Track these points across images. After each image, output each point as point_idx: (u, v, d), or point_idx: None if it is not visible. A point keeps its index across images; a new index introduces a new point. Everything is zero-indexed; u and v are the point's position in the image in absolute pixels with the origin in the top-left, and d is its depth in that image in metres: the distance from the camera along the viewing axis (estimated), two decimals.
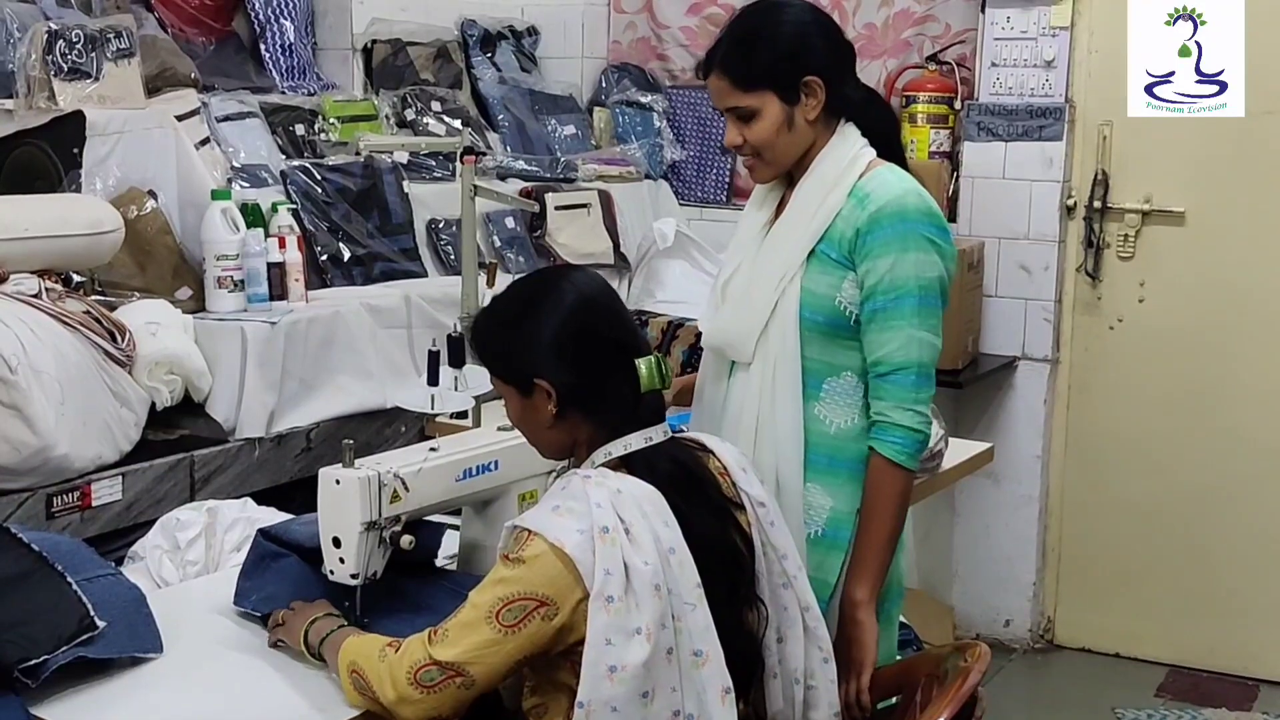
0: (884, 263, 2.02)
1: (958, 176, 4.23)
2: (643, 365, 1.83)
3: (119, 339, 2.70)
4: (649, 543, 1.71)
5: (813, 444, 2.09)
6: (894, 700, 2.04)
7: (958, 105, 4.23)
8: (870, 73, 4.44)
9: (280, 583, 2.04)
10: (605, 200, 4.13)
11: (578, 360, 1.83)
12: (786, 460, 2.07)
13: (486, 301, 2.94)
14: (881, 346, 2.04)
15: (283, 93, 3.80)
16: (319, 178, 3.45)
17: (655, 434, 1.85)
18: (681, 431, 2.01)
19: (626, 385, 1.83)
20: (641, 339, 1.92)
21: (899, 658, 2.24)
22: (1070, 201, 4.15)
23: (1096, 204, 4.12)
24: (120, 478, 2.64)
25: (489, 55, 4.41)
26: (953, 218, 4.22)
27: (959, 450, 3.04)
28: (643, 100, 4.60)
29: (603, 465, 1.82)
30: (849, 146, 2.11)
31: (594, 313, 1.86)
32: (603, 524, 1.69)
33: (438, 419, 3.02)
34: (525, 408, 1.87)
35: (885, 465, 2.05)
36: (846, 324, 2.07)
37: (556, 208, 3.98)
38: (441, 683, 1.70)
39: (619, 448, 1.83)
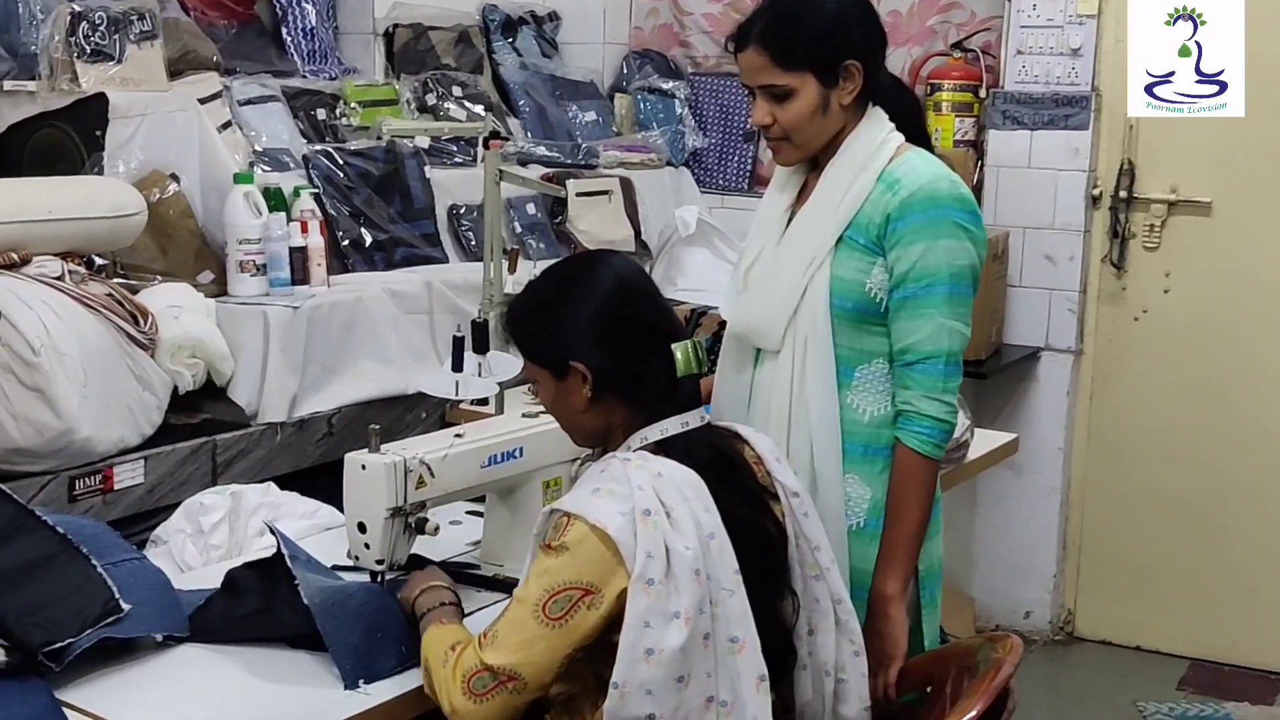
0: (915, 250, 2.00)
1: (982, 165, 4.21)
2: (679, 350, 1.81)
3: (141, 322, 2.69)
4: (690, 527, 1.70)
5: (848, 433, 2.07)
6: (926, 690, 2.02)
7: (983, 93, 4.20)
8: (895, 60, 4.41)
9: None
10: (626, 187, 4.11)
11: (614, 343, 1.81)
12: (823, 451, 2.05)
13: (508, 288, 2.96)
14: (910, 335, 2.02)
15: (304, 76, 3.79)
16: (341, 162, 3.43)
17: (692, 419, 1.84)
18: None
19: (662, 370, 1.81)
20: (678, 324, 1.90)
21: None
22: (1096, 191, 4.12)
23: (1122, 194, 4.09)
24: (142, 461, 2.63)
25: (510, 40, 4.39)
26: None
27: (984, 441, 3.03)
28: (664, 87, 4.58)
29: (639, 449, 1.81)
30: (878, 130, 2.08)
31: (631, 297, 1.85)
32: (644, 506, 1.68)
33: (460, 405, 3.01)
34: (559, 391, 1.85)
35: (911, 456, 2.03)
36: (876, 310, 2.05)
37: (577, 194, 3.95)
38: (494, 689, 1.68)
39: (655, 432, 1.81)
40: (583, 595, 1.67)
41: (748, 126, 4.52)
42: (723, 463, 1.82)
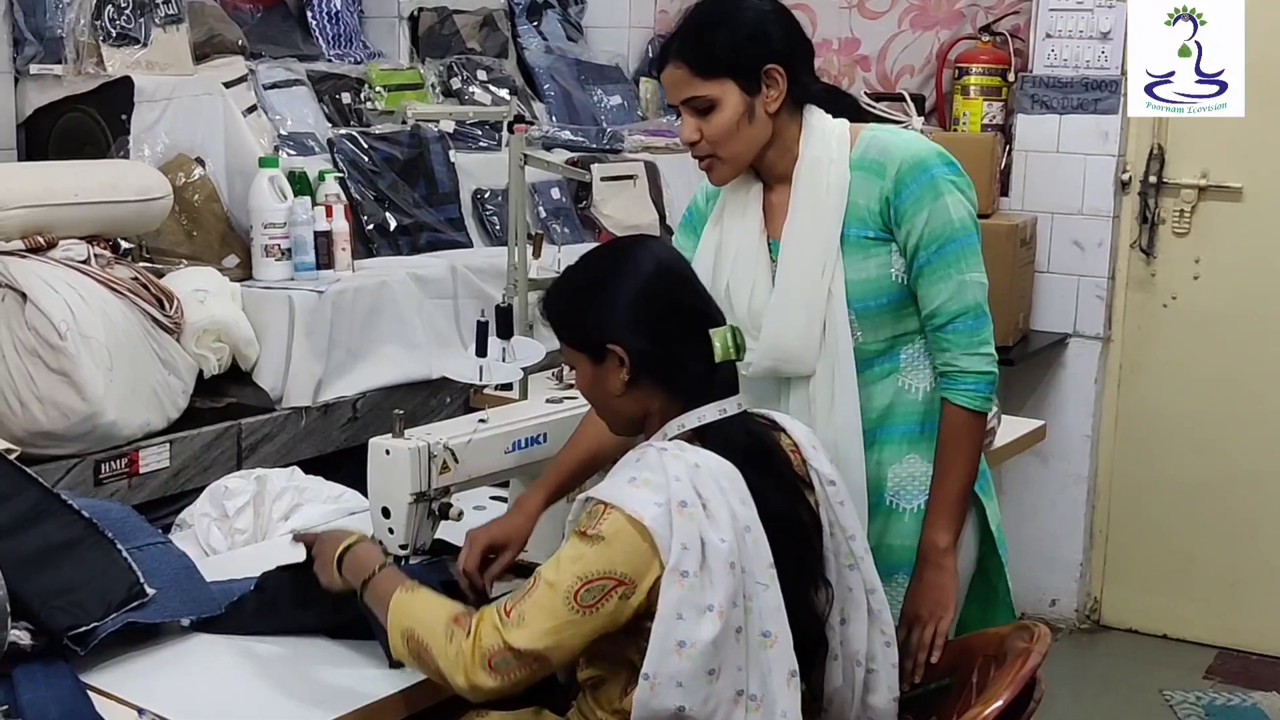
0: (920, 219, 2.00)
1: (1010, 150, 4.18)
2: (717, 336, 1.79)
3: (167, 306, 2.69)
4: (726, 519, 1.68)
5: (904, 414, 2.08)
6: (948, 681, 2.01)
7: (1011, 77, 4.17)
8: (922, 44, 4.40)
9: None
10: (651, 171, 4.09)
11: (652, 327, 1.79)
12: (846, 456, 2.03)
13: (532, 273, 2.95)
14: (935, 298, 2.03)
15: (329, 60, 3.78)
16: (366, 146, 3.43)
17: (729, 406, 1.82)
18: None
19: (700, 356, 1.79)
20: (716, 310, 1.87)
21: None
22: (1125, 176, 4.09)
23: (1152, 179, 4.06)
24: (168, 445, 2.64)
25: (535, 24, 4.38)
26: (1005, 192, 4.18)
27: (1011, 428, 3.00)
28: None
29: (676, 437, 1.79)
30: (824, 123, 2.08)
31: (670, 280, 1.83)
32: (681, 498, 1.66)
33: (484, 390, 3.00)
34: (596, 376, 1.83)
35: (960, 413, 2.04)
36: (908, 294, 2.06)
37: (602, 179, 3.94)
38: (517, 667, 1.67)
39: (693, 419, 1.79)
40: (616, 585, 1.65)
41: None
42: (761, 451, 1.81)
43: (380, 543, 1.95)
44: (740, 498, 1.71)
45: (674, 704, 1.64)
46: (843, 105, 2.14)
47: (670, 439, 1.78)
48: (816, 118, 2.08)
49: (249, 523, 2.37)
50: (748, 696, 1.68)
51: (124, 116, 2.99)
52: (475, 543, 2.04)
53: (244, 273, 3.02)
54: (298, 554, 2.00)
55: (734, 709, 1.68)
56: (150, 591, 1.88)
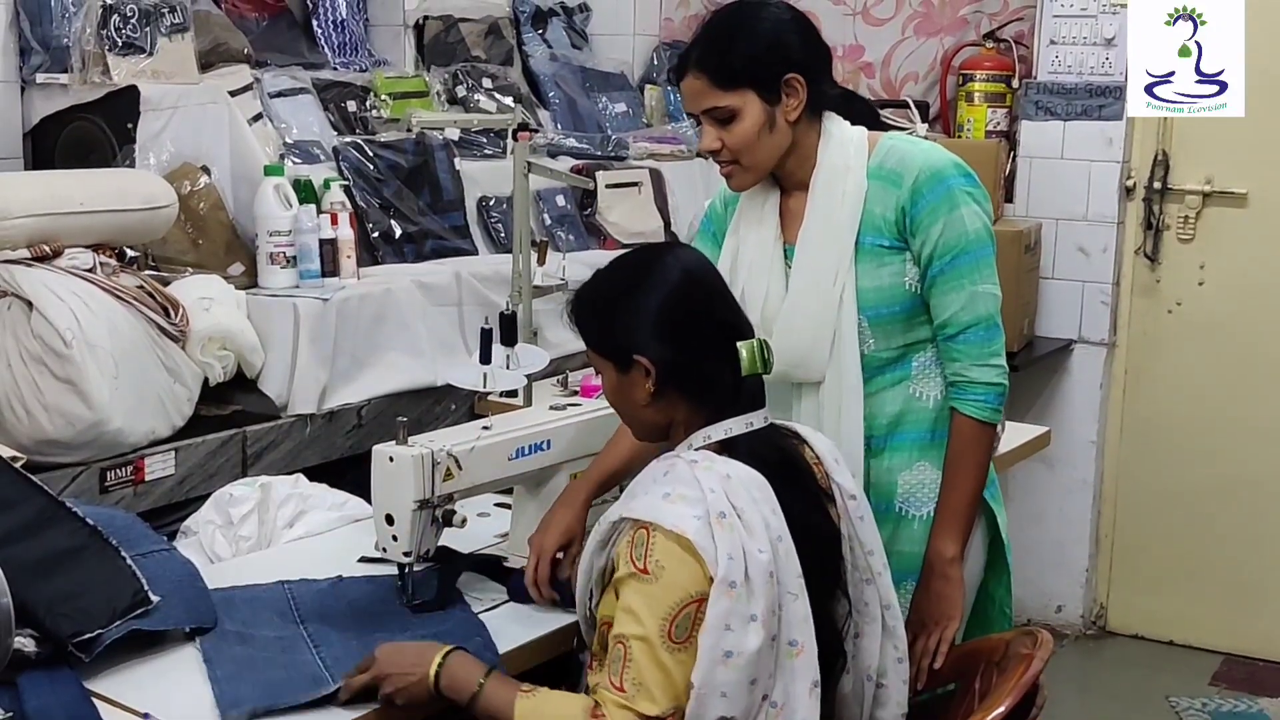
0: (935, 229, 2.01)
1: (1015, 156, 4.19)
2: (744, 349, 1.78)
3: (172, 314, 2.70)
4: (761, 529, 1.67)
5: (914, 422, 2.08)
6: (951, 687, 2.01)
7: (1015, 84, 4.18)
8: (926, 51, 4.40)
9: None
10: (656, 179, 4.10)
11: (680, 338, 1.77)
12: (850, 460, 2.02)
13: (537, 280, 2.95)
14: (946, 309, 2.03)
15: (335, 69, 3.79)
16: (371, 154, 3.43)
17: (756, 419, 1.80)
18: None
19: (727, 367, 1.78)
20: (744, 320, 1.85)
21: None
22: (1130, 182, 4.09)
23: (1156, 185, 4.06)
24: (173, 452, 2.64)
25: (540, 32, 4.39)
26: (1009, 198, 4.18)
27: (1016, 434, 3.00)
28: None
29: (701, 449, 1.77)
30: (843, 131, 2.08)
31: (700, 290, 1.81)
32: (719, 509, 1.65)
33: (488, 397, 3.01)
34: (621, 384, 1.81)
35: (969, 424, 2.04)
36: (920, 303, 2.06)
37: (607, 186, 3.95)
38: None
39: (719, 431, 1.78)
40: (697, 606, 1.63)
41: None
42: (788, 465, 1.80)
43: (468, 650, 1.83)
44: (771, 508, 1.71)
45: (717, 714, 1.63)
46: (858, 110, 2.15)
47: (696, 449, 1.77)
48: (836, 125, 2.09)
49: (253, 530, 2.38)
50: (770, 702, 1.68)
51: (130, 125, 3.00)
52: (544, 554, 2.05)
53: (249, 280, 3.02)
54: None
55: (758, 714, 1.68)
56: (154, 599, 1.89)
